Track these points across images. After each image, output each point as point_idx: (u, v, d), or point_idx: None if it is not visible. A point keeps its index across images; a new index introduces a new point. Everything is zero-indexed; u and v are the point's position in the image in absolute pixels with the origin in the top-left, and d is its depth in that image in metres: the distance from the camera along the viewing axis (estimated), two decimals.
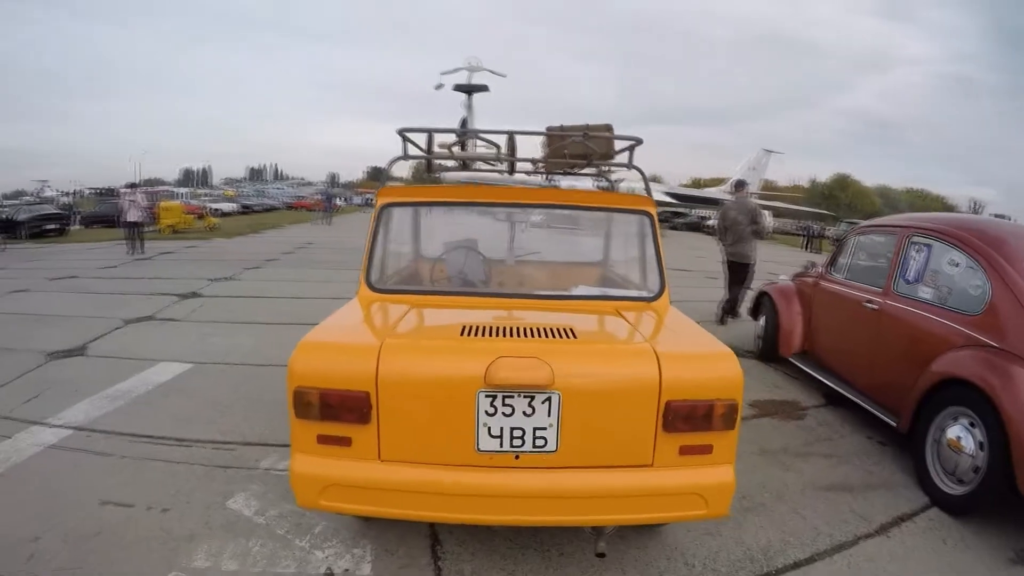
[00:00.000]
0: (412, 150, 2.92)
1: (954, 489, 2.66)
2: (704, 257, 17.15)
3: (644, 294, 2.56)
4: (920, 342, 3.09)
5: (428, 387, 1.75)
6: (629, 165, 2.90)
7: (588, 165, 2.95)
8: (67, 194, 46.61)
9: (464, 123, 3.18)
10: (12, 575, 2.04)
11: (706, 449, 1.82)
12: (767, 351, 5.09)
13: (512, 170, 3.19)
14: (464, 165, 3.38)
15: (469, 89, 2.90)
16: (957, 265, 3.07)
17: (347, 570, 2.12)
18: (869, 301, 3.63)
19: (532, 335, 1.92)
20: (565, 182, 4.85)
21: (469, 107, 2.88)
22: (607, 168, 3.25)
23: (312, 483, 1.79)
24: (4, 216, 18.56)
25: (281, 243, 16.63)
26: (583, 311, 2.40)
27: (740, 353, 5.41)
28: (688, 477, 1.82)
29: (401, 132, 2.68)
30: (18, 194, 55.03)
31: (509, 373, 1.66)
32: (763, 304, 5.31)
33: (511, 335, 1.91)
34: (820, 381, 4.12)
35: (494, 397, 1.71)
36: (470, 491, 1.72)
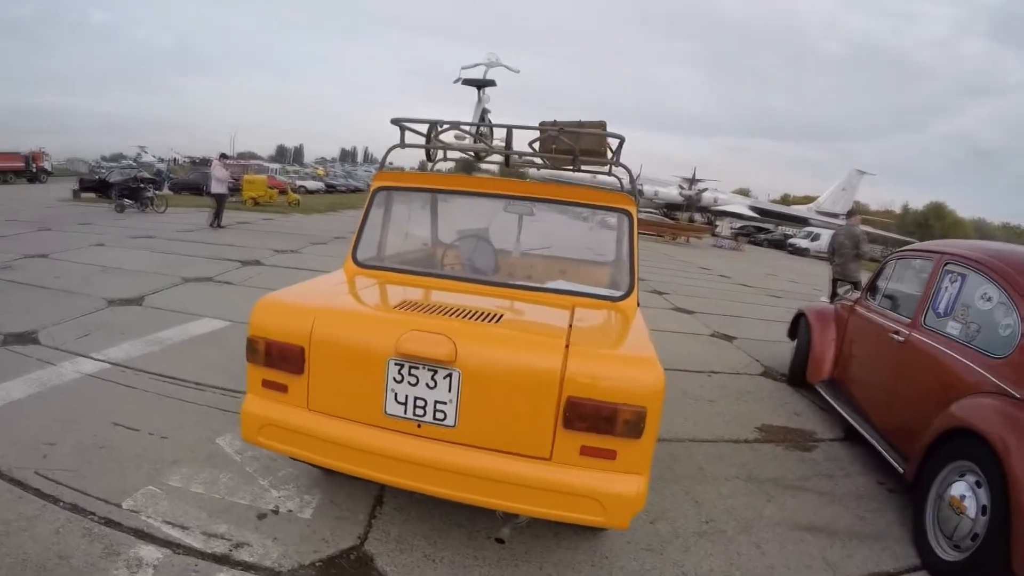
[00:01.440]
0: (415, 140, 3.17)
1: (948, 555, 2.44)
2: (775, 276, 16.48)
3: (611, 293, 2.61)
4: (939, 382, 2.91)
5: (349, 349, 2.00)
6: (615, 162, 2.97)
7: (575, 161, 3.06)
8: (163, 160, 50.65)
9: (484, 115, 3.35)
10: (27, 467, 2.57)
11: (609, 454, 1.83)
12: (796, 375, 4.90)
13: (507, 163, 3.36)
14: (477, 157, 3.58)
15: (479, 84, 3.04)
16: (990, 300, 2.86)
17: (290, 511, 2.44)
18: (896, 332, 3.44)
19: (457, 316, 2.08)
20: (594, 177, 4.94)
21: (479, 100, 3.02)
22: (600, 164, 3.33)
23: (253, 420, 2.12)
24: (98, 177, 21.23)
25: (354, 223, 17.74)
26: (542, 303, 2.53)
27: (774, 375, 5.25)
28: (586, 479, 1.84)
29: (396, 121, 2.89)
30: (118, 157, 61.06)
31: (414, 345, 1.84)
32: (799, 325, 5.10)
33: (437, 314, 2.10)
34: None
35: (402, 366, 1.90)
36: (374, 450, 1.94)
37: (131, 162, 46.46)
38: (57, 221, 12.11)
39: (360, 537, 2.30)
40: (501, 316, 2.16)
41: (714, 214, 36.70)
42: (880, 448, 3.26)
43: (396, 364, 1.91)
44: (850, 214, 9.07)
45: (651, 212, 35.97)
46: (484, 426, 1.90)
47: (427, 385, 1.89)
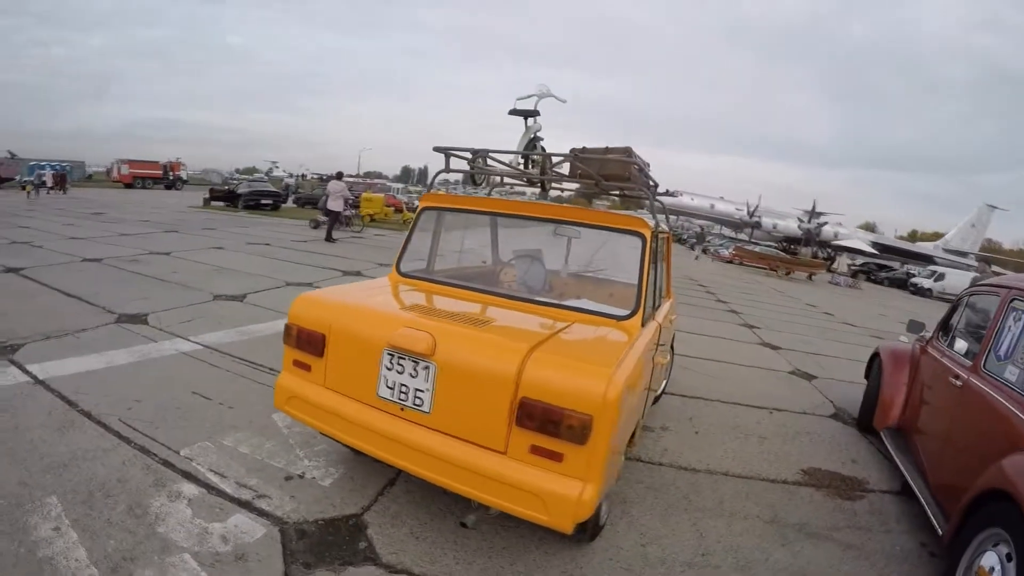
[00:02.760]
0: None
1: None
2: (885, 316, 15.19)
3: (616, 312, 2.74)
4: (991, 435, 2.67)
5: (356, 338, 2.42)
6: (641, 187, 3.15)
7: (597, 186, 3.27)
8: (292, 176, 56.67)
9: (535, 143, 3.69)
10: (114, 415, 3.33)
11: (556, 456, 1.99)
12: (864, 419, 4.63)
13: (544, 188, 3.67)
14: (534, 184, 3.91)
15: (524, 114, 3.33)
16: None
17: (314, 477, 2.91)
18: (956, 376, 3.21)
19: (451, 319, 2.41)
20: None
21: (526, 129, 3.31)
22: (626, 189, 3.52)
23: (283, 392, 2.63)
24: (227, 188, 24.46)
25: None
26: (549, 316, 2.75)
27: (845, 418, 4.98)
28: (533, 477, 2.01)
29: (439, 149, 3.29)
30: (251, 170, 69.29)
31: (401, 339, 2.22)
32: (873, 366, 4.81)
33: (437, 317, 2.44)
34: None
35: (393, 356, 2.29)
36: (366, 425, 2.33)
37: (263, 176, 52.40)
38: (185, 225, 14.37)
39: (363, 508, 2.69)
40: (490, 322, 2.47)
41: (834, 249, 34.36)
42: (925, 504, 3.06)
43: (389, 354, 2.30)
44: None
45: (769, 245, 34.30)
46: (453, 416, 2.20)
47: (410, 374, 2.25)
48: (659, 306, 3.52)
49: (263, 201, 24.83)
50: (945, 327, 3.96)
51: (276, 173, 59.13)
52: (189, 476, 2.79)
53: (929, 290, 27.42)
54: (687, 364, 6.12)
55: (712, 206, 39.28)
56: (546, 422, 1.97)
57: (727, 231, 43.43)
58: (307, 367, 2.57)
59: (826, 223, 33.62)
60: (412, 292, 3.03)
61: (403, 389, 2.27)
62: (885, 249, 34.72)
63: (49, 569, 2.07)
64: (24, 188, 23.85)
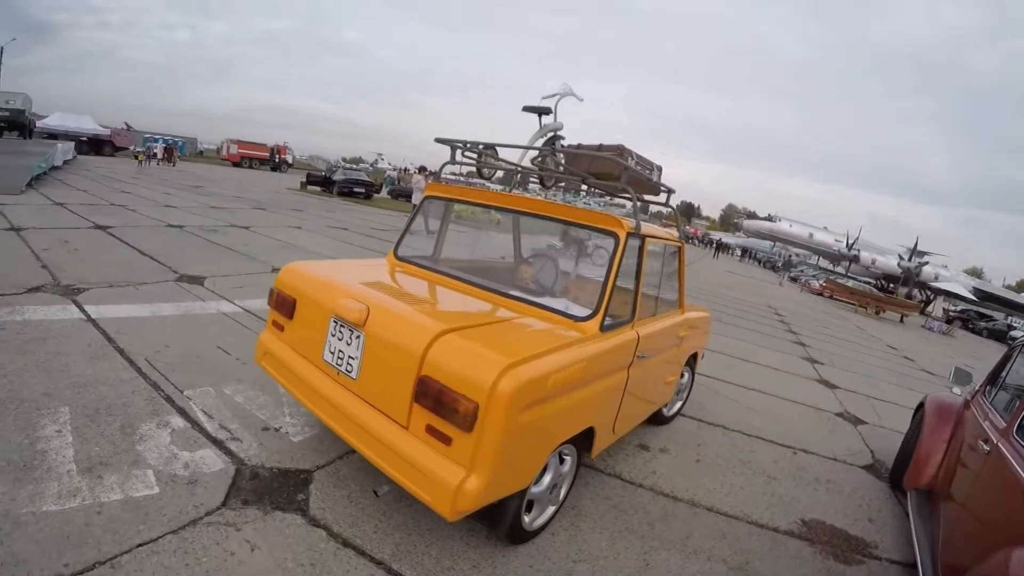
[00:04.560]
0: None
1: None
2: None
3: (574, 312, 2.74)
4: (1007, 517, 2.33)
5: (315, 305, 2.68)
6: (622, 186, 3.13)
7: (584, 183, 3.31)
8: (395, 169, 59.58)
9: (552, 142, 3.79)
10: (142, 355, 3.86)
11: (445, 439, 2.06)
12: (896, 475, 4.21)
13: (543, 183, 3.77)
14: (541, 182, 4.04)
15: (537, 111, 3.39)
16: None
17: (287, 432, 3.21)
18: (986, 439, 2.88)
19: (397, 297, 2.59)
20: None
21: (540, 126, 3.36)
22: (613, 188, 3.49)
23: (261, 348, 2.97)
24: (323, 174, 26.48)
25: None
26: (511, 309, 2.81)
27: (879, 471, 4.60)
28: (424, 456, 2.10)
29: (441, 141, 3.46)
30: (357, 160, 73.91)
31: (342, 307, 2.45)
32: (916, 417, 4.40)
33: (391, 295, 2.62)
34: None
35: (337, 323, 2.51)
36: (311, 385, 2.58)
37: (368, 166, 55.57)
38: (274, 204, 15.75)
39: (317, 466, 2.94)
40: (431, 304, 2.64)
41: (932, 291, 31.63)
42: None
43: (334, 321, 2.53)
44: None
45: (866, 281, 32.12)
46: (373, 385, 2.37)
47: (347, 342, 2.47)
48: (655, 315, 3.47)
49: (356, 189, 26.62)
50: (992, 381, 3.57)
51: (381, 165, 62.12)
52: (182, 412, 3.20)
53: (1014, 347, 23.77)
54: (723, 390, 5.90)
55: (811, 235, 37.77)
56: (439, 403, 2.06)
57: (824, 263, 41.24)
58: (281, 327, 2.89)
59: (927, 263, 31.15)
60: (394, 273, 3.24)
61: (340, 355, 2.49)
62: (986, 297, 31.45)
63: (41, 458, 2.56)
64: (136, 157, 27.04)
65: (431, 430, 2.11)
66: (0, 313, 4.20)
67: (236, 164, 42.09)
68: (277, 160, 44.83)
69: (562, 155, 3.43)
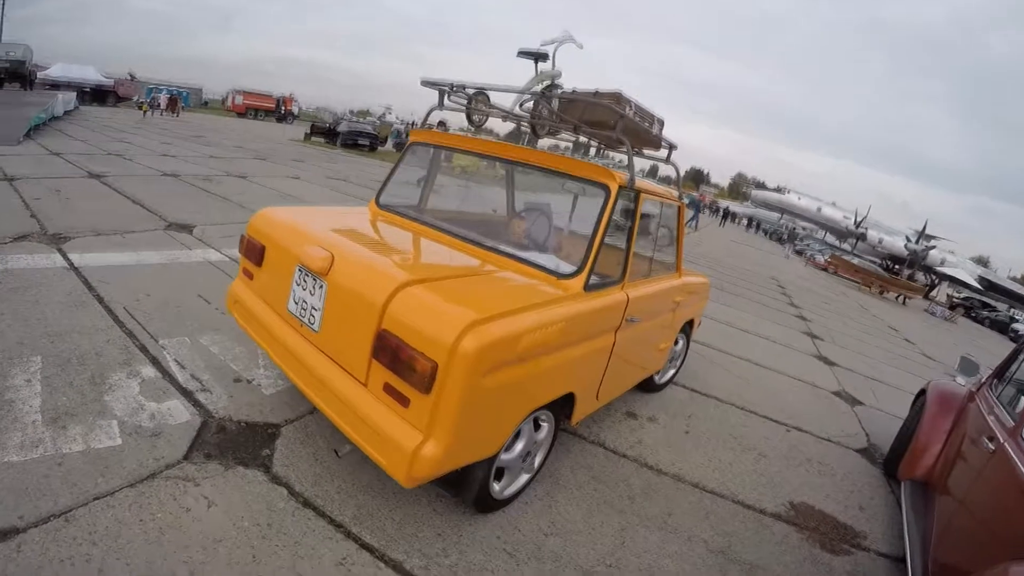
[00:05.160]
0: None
1: None
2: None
3: (557, 268, 2.57)
4: (1009, 523, 2.22)
5: (282, 252, 2.53)
6: (616, 135, 2.83)
7: (576, 130, 3.12)
8: (403, 122, 58.72)
9: (550, 90, 3.55)
10: (121, 303, 3.76)
11: (403, 400, 1.92)
12: (890, 464, 4.10)
13: (534, 132, 3.55)
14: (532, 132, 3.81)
15: (534, 56, 3.17)
16: None
17: (259, 385, 3.13)
18: (991, 437, 2.72)
19: (366, 245, 2.43)
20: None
21: (536, 72, 3.15)
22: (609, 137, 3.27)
23: (231, 296, 2.85)
24: (327, 125, 26.12)
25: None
26: (491, 263, 2.65)
27: (874, 456, 4.51)
28: (381, 417, 1.96)
29: (427, 83, 3.22)
30: (364, 113, 72.50)
31: (305, 255, 2.28)
32: (916, 404, 4.27)
33: (363, 244, 2.46)
34: None
35: (302, 272, 2.36)
36: (275, 335, 2.46)
37: (375, 119, 54.80)
38: (276, 155, 15.50)
39: (286, 421, 2.87)
40: (401, 254, 2.48)
41: (937, 276, 31.47)
42: None
43: (299, 270, 2.39)
44: None
45: (871, 261, 31.92)
46: (334, 338, 2.23)
47: (310, 292, 2.33)
48: (648, 277, 3.31)
49: (360, 141, 26.28)
50: (1001, 375, 3.40)
51: (388, 118, 61.25)
52: (155, 362, 3.12)
53: None
54: (719, 360, 5.80)
55: (819, 209, 37.33)
56: (396, 360, 1.90)
57: (831, 238, 40.89)
58: (251, 275, 2.76)
59: (934, 247, 30.86)
60: (374, 222, 3.07)
61: (304, 305, 2.36)
62: (991, 286, 31.24)
63: (7, 408, 2.49)
64: (141, 107, 26.70)
65: (389, 389, 1.97)
66: None
67: (241, 115, 41.56)
68: (283, 111, 44.24)
69: (556, 102, 3.20)
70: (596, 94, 3.04)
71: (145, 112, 25.80)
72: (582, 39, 3.59)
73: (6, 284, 3.77)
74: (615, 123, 2.83)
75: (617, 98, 2.98)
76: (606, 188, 2.65)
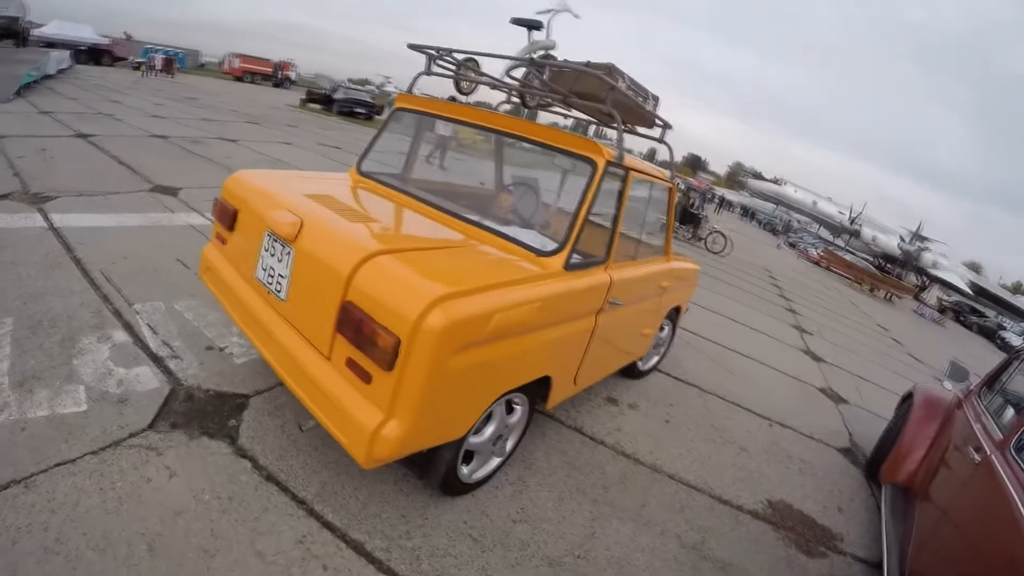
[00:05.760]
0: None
1: None
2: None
3: (536, 245, 2.47)
4: (991, 539, 2.20)
5: (253, 217, 2.45)
6: (607, 108, 2.75)
7: (564, 102, 3.04)
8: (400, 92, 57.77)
9: (545, 57, 3.44)
10: (97, 266, 3.68)
11: (365, 376, 1.85)
12: (872, 466, 4.11)
13: (523, 101, 3.46)
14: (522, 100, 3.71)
15: (527, 24, 3.09)
16: None
17: (232, 354, 3.09)
18: (978, 448, 2.70)
19: (338, 212, 2.33)
20: None
21: (529, 41, 3.07)
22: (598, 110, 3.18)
23: (203, 262, 2.78)
24: (323, 92, 25.75)
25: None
26: (470, 236, 2.56)
27: (857, 457, 4.52)
28: (342, 393, 1.89)
29: (414, 47, 3.10)
30: (363, 82, 71.49)
31: (273, 220, 2.19)
32: (902, 407, 4.25)
33: (337, 211, 2.36)
34: None
35: (270, 238, 2.29)
36: (242, 302, 2.39)
37: (374, 88, 53.98)
38: (269, 120, 15.22)
39: (255, 392, 2.82)
40: (373, 223, 2.37)
41: (928, 278, 31.93)
42: None
43: (268, 236, 2.31)
44: None
45: (863, 257, 32.22)
46: (299, 308, 2.15)
47: (278, 259, 2.25)
48: (634, 259, 3.23)
49: (356, 109, 25.86)
50: (991, 383, 3.38)
51: (387, 88, 60.61)
52: (127, 326, 3.06)
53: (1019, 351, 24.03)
54: (705, 348, 5.79)
55: (815, 203, 37.52)
56: (359, 334, 1.83)
57: (824, 233, 41.15)
58: (223, 240, 2.69)
59: (928, 249, 31.22)
60: (354, 189, 2.97)
61: (271, 273, 2.28)
62: (981, 292, 31.81)
63: None
64: (138, 68, 26.11)
65: (351, 364, 1.89)
66: None
67: (238, 79, 40.65)
68: (280, 76, 43.42)
69: (547, 72, 3.10)
70: (588, 64, 2.94)
71: (143, 73, 25.27)
72: (581, 9, 3.48)
73: None
74: (605, 95, 2.73)
75: (609, 70, 2.87)
76: (592, 163, 2.54)
